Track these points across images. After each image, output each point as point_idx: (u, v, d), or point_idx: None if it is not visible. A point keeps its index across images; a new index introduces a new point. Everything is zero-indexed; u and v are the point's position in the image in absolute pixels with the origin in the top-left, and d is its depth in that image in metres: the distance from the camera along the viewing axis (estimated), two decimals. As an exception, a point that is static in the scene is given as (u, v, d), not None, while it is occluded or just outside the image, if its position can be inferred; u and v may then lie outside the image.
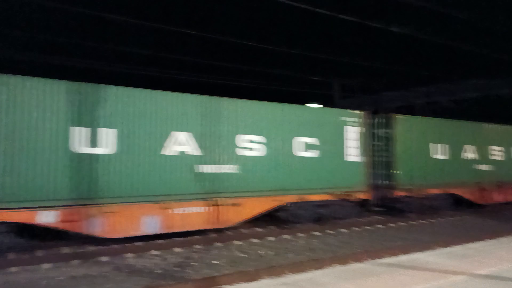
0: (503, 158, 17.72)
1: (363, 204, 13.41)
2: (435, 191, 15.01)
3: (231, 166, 10.62)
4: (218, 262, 8.39)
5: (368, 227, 12.70)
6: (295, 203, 11.62)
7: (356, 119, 13.21)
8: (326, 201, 12.24)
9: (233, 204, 10.44)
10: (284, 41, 27.52)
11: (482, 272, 6.00)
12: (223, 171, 10.46)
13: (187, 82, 20.30)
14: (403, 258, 7.02)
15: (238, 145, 10.77)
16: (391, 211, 14.41)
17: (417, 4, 12.35)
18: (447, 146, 15.64)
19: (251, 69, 21.07)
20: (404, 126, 14.45)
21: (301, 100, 22.15)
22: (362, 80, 26.97)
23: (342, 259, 8.12)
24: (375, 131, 14.09)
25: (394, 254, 8.28)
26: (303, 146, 11.93)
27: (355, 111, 13.38)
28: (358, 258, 8.04)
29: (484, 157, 16.91)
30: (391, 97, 28.06)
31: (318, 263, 7.96)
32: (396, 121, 14.23)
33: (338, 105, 27.12)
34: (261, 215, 11.12)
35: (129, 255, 8.93)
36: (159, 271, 7.73)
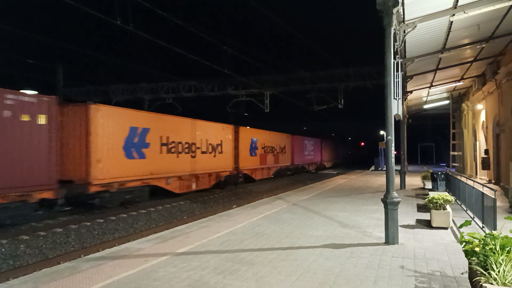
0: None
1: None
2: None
3: None
4: None
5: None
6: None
7: None
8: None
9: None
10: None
11: (182, 250, 6.85)
12: None
13: None
14: (114, 249, 7.16)
15: None
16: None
17: (140, 4, 12.78)
18: None
19: None
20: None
21: (15, 85, 19.04)
22: (90, 70, 26.03)
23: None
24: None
25: (109, 246, 8.36)
26: None
27: None
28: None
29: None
30: (120, 90, 28.11)
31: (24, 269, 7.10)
32: None
33: (63, 94, 25.03)
34: None
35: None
36: None
